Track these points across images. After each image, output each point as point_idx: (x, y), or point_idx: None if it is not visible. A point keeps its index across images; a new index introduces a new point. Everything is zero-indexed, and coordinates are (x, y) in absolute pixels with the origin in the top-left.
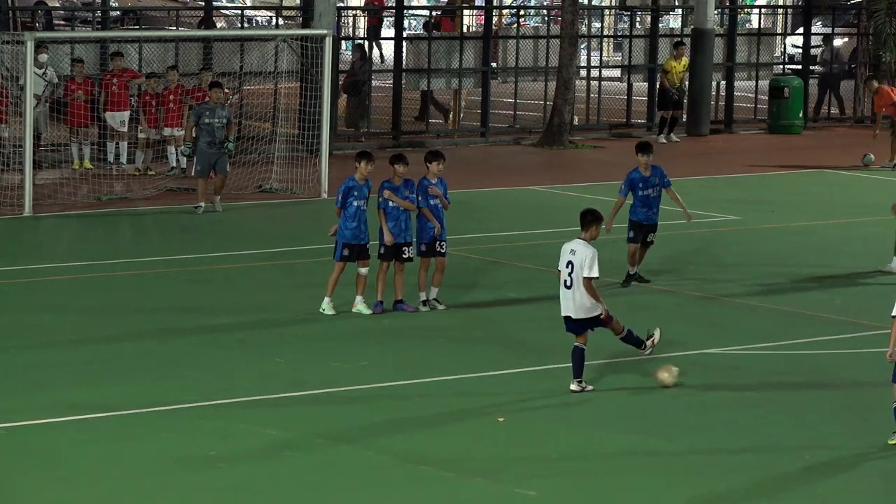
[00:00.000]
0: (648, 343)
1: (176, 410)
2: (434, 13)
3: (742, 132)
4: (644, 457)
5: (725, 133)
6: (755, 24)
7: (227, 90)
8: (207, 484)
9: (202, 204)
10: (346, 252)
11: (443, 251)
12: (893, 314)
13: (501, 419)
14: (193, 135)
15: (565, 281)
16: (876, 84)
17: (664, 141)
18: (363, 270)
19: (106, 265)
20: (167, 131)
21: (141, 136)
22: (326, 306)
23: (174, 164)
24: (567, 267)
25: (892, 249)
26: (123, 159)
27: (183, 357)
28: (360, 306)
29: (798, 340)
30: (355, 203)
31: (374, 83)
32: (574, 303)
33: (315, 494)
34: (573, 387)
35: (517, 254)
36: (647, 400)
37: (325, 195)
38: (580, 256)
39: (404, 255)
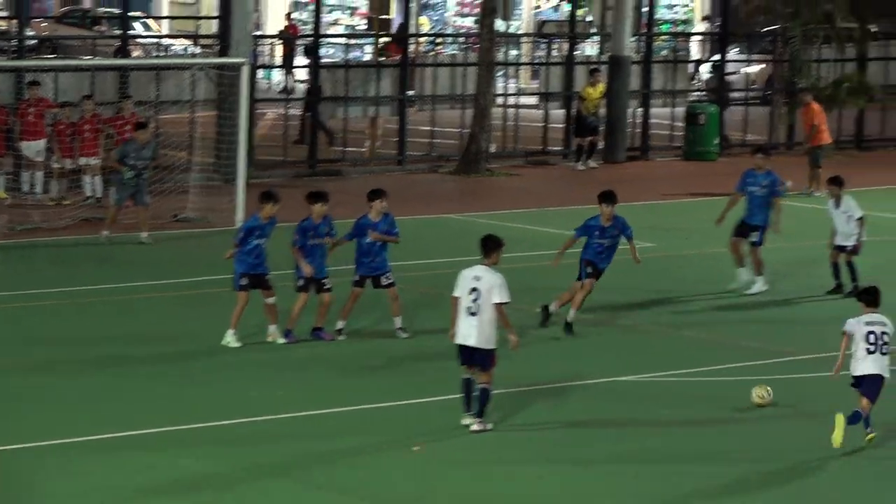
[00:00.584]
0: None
1: (91, 442)
2: (384, 41)
3: (658, 159)
4: (560, 486)
5: (642, 160)
6: (671, 52)
7: (152, 128)
8: None
9: (107, 232)
10: (244, 282)
11: (390, 282)
12: (843, 329)
13: (417, 448)
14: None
15: (469, 308)
16: (809, 98)
17: (582, 168)
18: (270, 300)
19: (20, 296)
20: (82, 160)
21: (55, 165)
22: (231, 339)
23: (89, 194)
24: (471, 294)
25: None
26: (39, 189)
27: (98, 388)
28: (275, 336)
29: (714, 367)
30: (255, 241)
31: (290, 111)
32: (478, 331)
33: None
34: (475, 427)
35: (435, 282)
36: (557, 433)
37: (240, 224)
38: (487, 282)
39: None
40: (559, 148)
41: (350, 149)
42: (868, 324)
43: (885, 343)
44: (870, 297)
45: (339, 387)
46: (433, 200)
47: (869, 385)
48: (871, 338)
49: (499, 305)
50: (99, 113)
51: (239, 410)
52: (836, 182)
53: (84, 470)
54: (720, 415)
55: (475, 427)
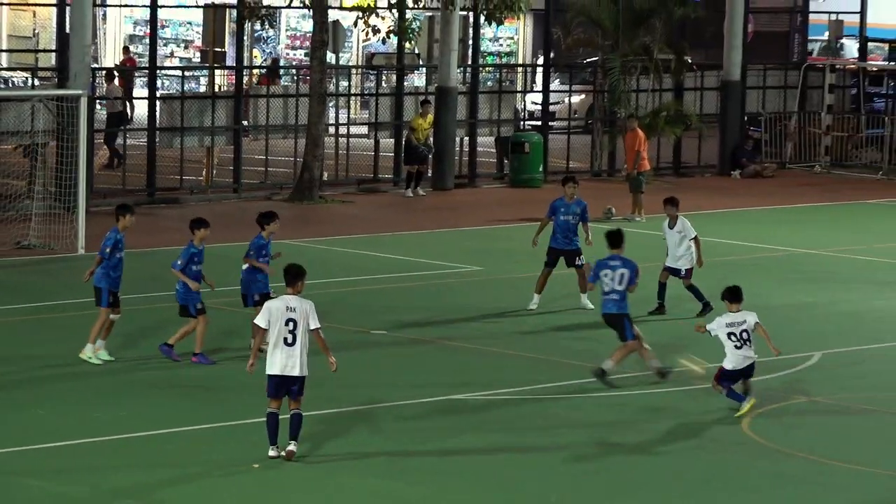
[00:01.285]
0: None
1: None
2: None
3: (485, 186)
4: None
5: (470, 187)
6: (496, 83)
7: None
8: None
9: None
10: (111, 299)
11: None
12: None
13: (256, 465)
14: None
15: (286, 339)
16: (635, 124)
17: (411, 195)
18: (115, 317)
19: None
20: None
21: None
22: (90, 353)
23: None
24: (288, 325)
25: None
26: None
27: None
28: (101, 352)
29: (541, 385)
30: (118, 255)
31: (128, 141)
32: (299, 360)
33: None
34: (291, 448)
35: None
36: (394, 447)
37: (82, 251)
38: (301, 311)
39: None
40: (390, 176)
41: (187, 177)
42: (728, 325)
43: (748, 336)
44: (732, 295)
45: (189, 408)
46: None
47: (748, 372)
48: (733, 337)
49: (317, 331)
50: None
51: (84, 430)
52: (673, 203)
53: None
54: (551, 431)
55: (292, 448)
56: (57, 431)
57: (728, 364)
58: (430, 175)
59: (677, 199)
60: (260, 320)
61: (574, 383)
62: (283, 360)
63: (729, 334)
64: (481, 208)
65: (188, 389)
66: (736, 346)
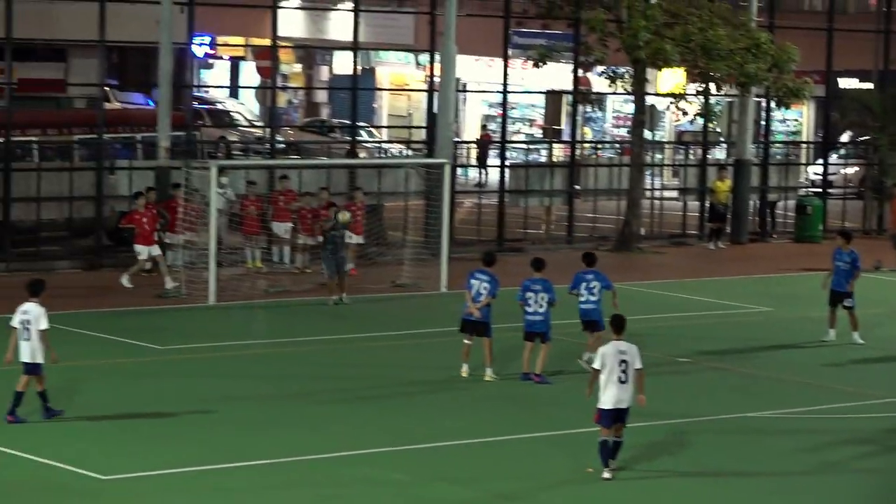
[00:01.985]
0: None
1: (334, 458)
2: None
3: (774, 241)
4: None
5: (761, 242)
6: (784, 156)
7: (307, 221)
8: None
9: (334, 298)
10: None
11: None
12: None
13: (590, 470)
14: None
15: (619, 377)
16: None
17: (713, 247)
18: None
19: (275, 343)
20: (321, 238)
21: (299, 241)
22: (490, 375)
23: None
24: (620, 365)
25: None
26: (286, 260)
27: (336, 414)
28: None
29: (823, 406)
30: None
31: (482, 201)
32: (630, 395)
33: None
34: None
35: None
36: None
37: (444, 289)
38: (631, 353)
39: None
40: (695, 231)
41: (530, 230)
42: None
43: None
44: None
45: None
46: None
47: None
48: None
49: (639, 371)
50: (333, 201)
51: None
52: None
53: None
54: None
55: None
56: (407, 435)
57: None
58: (728, 231)
59: None
60: (597, 364)
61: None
62: (616, 396)
63: None
64: (771, 260)
65: (522, 402)
66: None
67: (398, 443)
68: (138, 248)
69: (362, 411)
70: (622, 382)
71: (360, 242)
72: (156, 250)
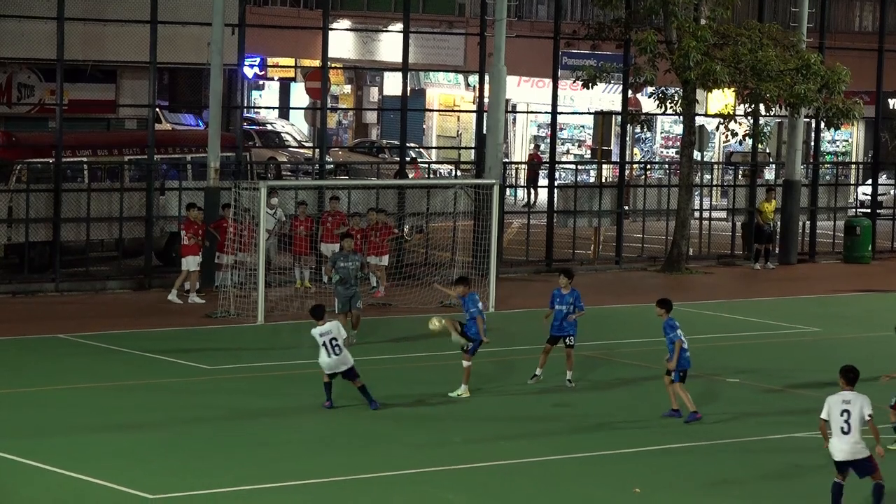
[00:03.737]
0: None
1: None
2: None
3: (823, 262)
4: None
5: (809, 262)
6: (833, 177)
7: (357, 241)
8: None
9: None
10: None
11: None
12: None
13: (637, 490)
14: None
15: (842, 427)
16: None
17: (759, 268)
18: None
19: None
20: (371, 259)
21: None
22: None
23: (374, 284)
24: (843, 415)
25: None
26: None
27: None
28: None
29: None
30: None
31: (531, 221)
32: (858, 445)
33: None
34: None
35: (643, 357)
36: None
37: (492, 309)
38: (856, 403)
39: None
40: (743, 252)
41: (578, 251)
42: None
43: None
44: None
45: None
46: (643, 292)
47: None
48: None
49: (870, 420)
50: (386, 222)
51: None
52: None
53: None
54: None
55: None
56: (467, 455)
57: None
58: (776, 252)
59: None
60: (824, 413)
61: None
62: (845, 447)
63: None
64: (819, 280)
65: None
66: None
67: (453, 462)
68: (187, 259)
69: (416, 430)
70: (844, 433)
71: (384, 264)
72: (195, 265)
